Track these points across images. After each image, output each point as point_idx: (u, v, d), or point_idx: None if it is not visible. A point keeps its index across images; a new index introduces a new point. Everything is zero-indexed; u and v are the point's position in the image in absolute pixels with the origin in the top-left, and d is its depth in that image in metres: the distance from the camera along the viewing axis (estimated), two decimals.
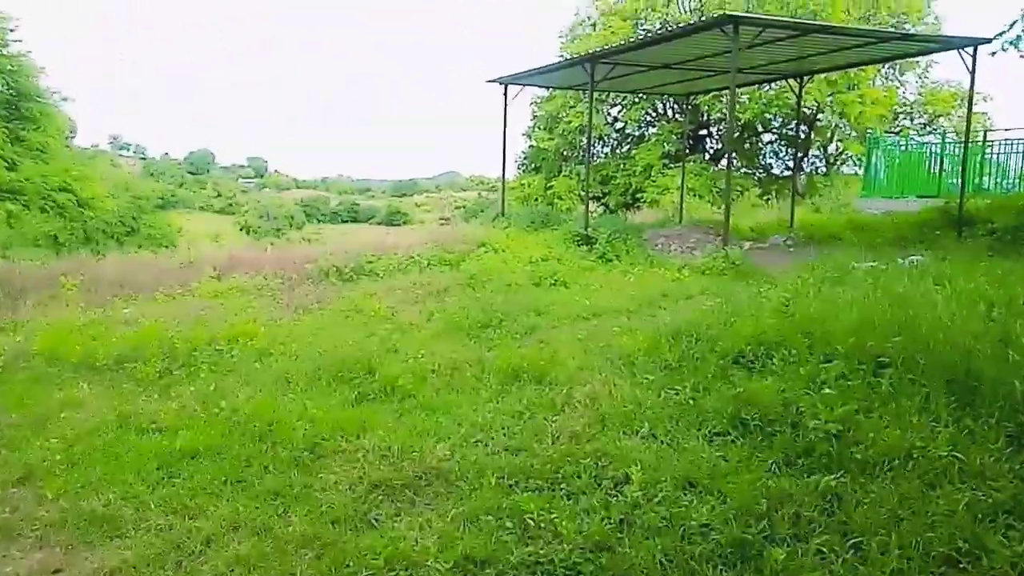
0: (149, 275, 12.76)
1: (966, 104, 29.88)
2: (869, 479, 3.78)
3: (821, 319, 6.10)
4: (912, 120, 31.20)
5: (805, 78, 17.25)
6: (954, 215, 14.84)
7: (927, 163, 20.70)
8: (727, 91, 25.36)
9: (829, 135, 30.03)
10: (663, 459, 4.23)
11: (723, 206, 27.36)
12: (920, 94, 30.72)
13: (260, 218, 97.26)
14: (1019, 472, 3.62)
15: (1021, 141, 18.04)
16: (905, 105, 30.84)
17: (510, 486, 4.19)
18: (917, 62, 28.98)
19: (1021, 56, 13.61)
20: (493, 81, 18.46)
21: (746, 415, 4.66)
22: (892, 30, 11.57)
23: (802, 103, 26.71)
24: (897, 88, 30.01)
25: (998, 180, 18.69)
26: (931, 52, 13.56)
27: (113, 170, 66.45)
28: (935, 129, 29.27)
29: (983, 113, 30.05)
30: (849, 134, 28.87)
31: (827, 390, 4.73)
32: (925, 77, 30.41)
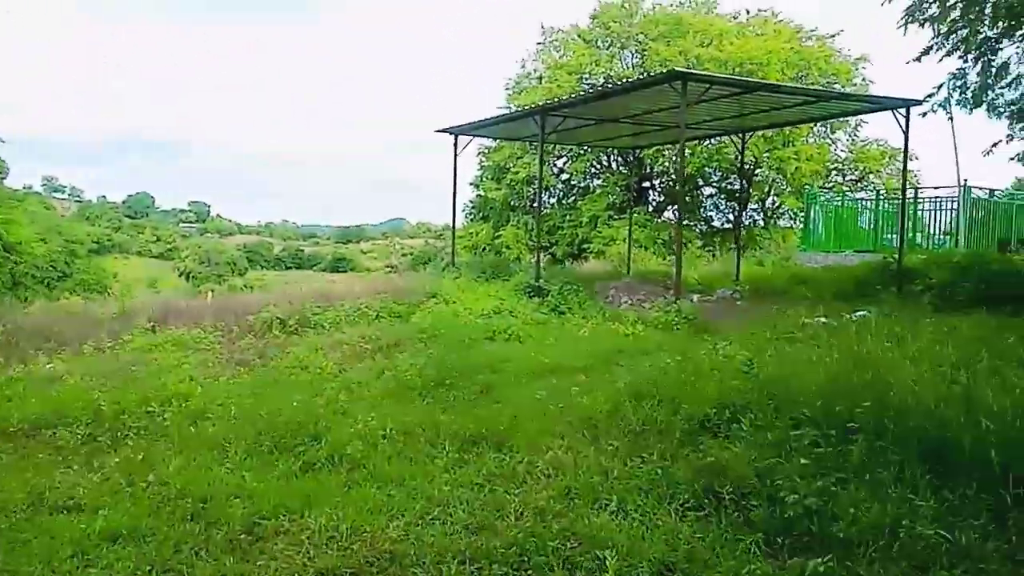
0: (78, 325, 11.98)
1: (894, 161, 31.63)
2: (856, 560, 3.57)
3: (785, 380, 5.99)
4: (844, 176, 32.54)
5: (747, 134, 17.77)
6: (892, 270, 15.29)
7: (862, 219, 21.50)
8: (671, 145, 26.17)
9: (766, 189, 31.09)
10: (637, 540, 3.94)
11: (667, 258, 28.24)
12: (851, 152, 32.15)
13: (201, 264, 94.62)
14: (1008, 552, 3.47)
15: (948, 199, 18.94)
16: (837, 162, 32.19)
17: (472, 573, 3.83)
18: (847, 121, 30.40)
19: (949, 118, 14.38)
20: (443, 131, 18.43)
21: (719, 487, 4.44)
22: (831, 90, 11.95)
23: (741, 159, 27.85)
24: (829, 146, 31.35)
25: (928, 236, 19.51)
26: (867, 112, 14.13)
27: (45, 213, 63.81)
28: (866, 186, 30.60)
29: (912, 171, 31.60)
30: (784, 189, 29.93)
31: (801, 460, 4.56)
32: (855, 135, 31.88)
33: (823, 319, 11.39)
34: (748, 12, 31.79)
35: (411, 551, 4.03)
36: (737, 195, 30.99)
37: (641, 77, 11.84)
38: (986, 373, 5.93)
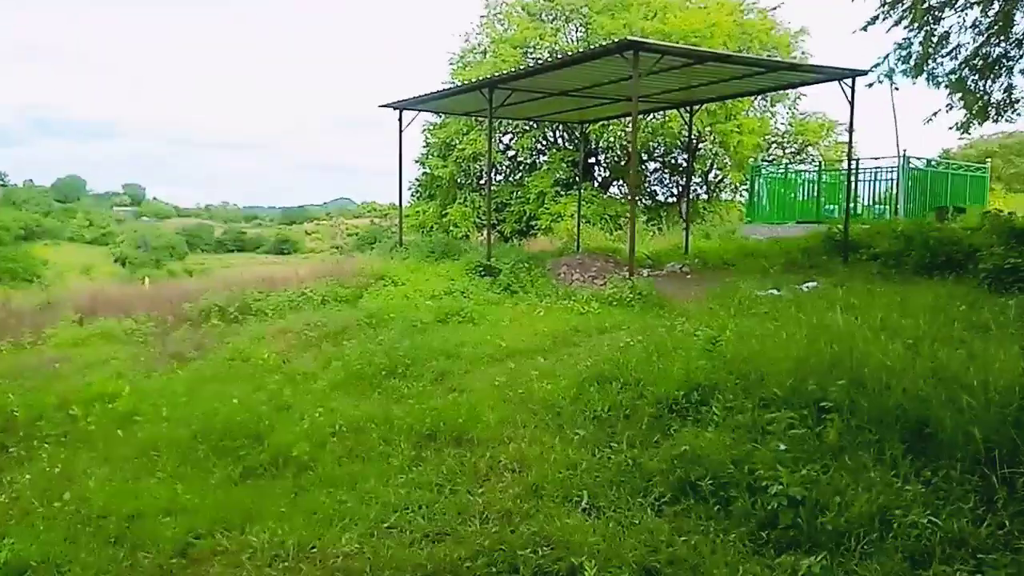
0: None
1: (832, 133, 32.16)
2: (848, 556, 3.35)
3: (751, 358, 5.79)
4: (784, 149, 32.95)
5: (694, 107, 17.62)
6: (837, 240, 15.43)
7: (805, 190, 21.76)
8: (619, 119, 25.94)
9: (709, 163, 31.27)
10: (613, 542, 3.64)
11: (615, 232, 28.17)
12: (790, 125, 32.54)
13: (137, 248, 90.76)
14: (1003, 540, 3.30)
15: (886, 169, 19.26)
16: (777, 135, 32.55)
17: None
18: (787, 95, 30.73)
19: (895, 88, 14.49)
20: (387, 106, 17.73)
21: (695, 478, 4.17)
22: (780, 60, 11.81)
23: (685, 133, 27.85)
24: (769, 119, 31.67)
25: (868, 205, 19.83)
26: (813, 83, 14.08)
27: None
28: (805, 158, 31.09)
29: (847, 143, 32.18)
30: (726, 162, 30.12)
31: (779, 444, 4.33)
32: (795, 108, 32.25)
33: (775, 291, 11.37)
34: None
35: (367, 568, 3.65)
36: (682, 169, 31.12)
37: (590, 48, 11.43)
38: (952, 344, 5.84)
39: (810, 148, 31.90)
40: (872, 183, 19.87)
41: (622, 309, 10.30)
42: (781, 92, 30.32)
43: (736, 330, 7.24)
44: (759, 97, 29.88)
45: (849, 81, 13.54)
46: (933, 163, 20.34)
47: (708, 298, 11.42)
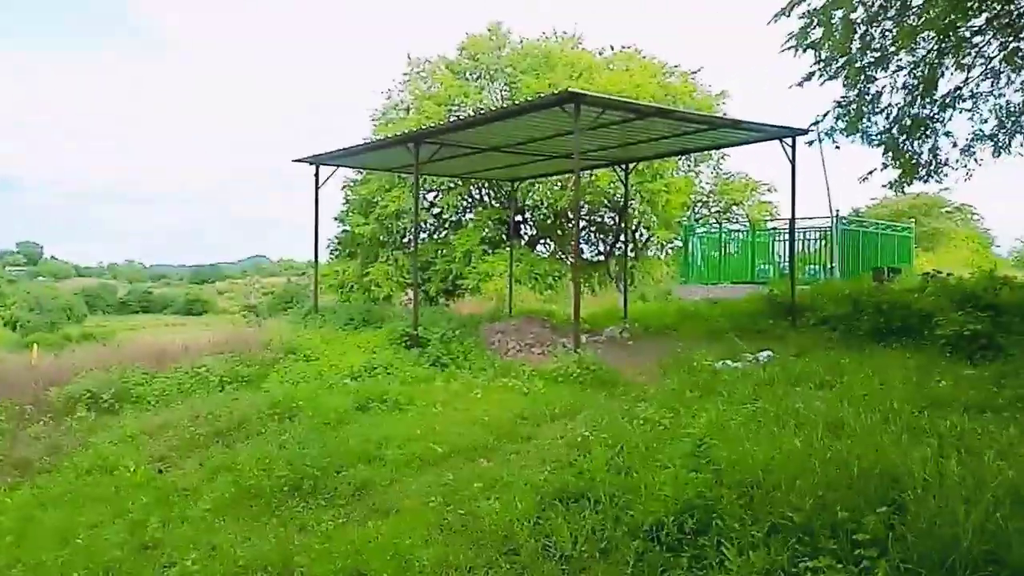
0: None
1: (755, 193, 32.68)
2: None
3: (747, 466, 4.69)
4: (709, 208, 33.34)
5: (630, 165, 17.08)
6: (778, 302, 14.90)
7: (738, 250, 21.52)
8: (549, 177, 25.37)
9: (636, 222, 31.14)
10: None
11: (544, 293, 27.30)
12: (714, 184, 33.02)
13: (31, 311, 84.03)
14: None
15: (822, 228, 19.18)
16: (702, 194, 32.94)
17: None
18: (711, 155, 31.22)
19: (836, 147, 14.26)
20: (302, 161, 16.37)
21: None
22: (722, 117, 11.25)
23: (614, 192, 27.60)
24: (694, 178, 32.07)
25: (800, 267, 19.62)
26: (753, 141, 13.67)
27: None
28: (732, 217, 31.46)
29: (770, 203, 32.89)
30: (653, 220, 30.02)
31: None
32: (719, 168, 32.83)
33: (732, 363, 10.49)
34: (612, 48, 32.06)
35: None
36: (610, 228, 30.84)
37: (528, 100, 10.56)
38: (980, 439, 4.93)
39: (735, 207, 32.39)
40: (803, 243, 19.75)
41: (569, 387, 9.12)
42: (705, 153, 30.83)
43: (711, 421, 6.17)
44: (684, 157, 30.22)
45: (789, 140, 13.20)
46: (864, 222, 20.47)
47: (661, 371, 10.42)
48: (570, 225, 33.36)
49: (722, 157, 32.13)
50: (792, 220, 13.44)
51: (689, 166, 31.89)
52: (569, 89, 9.73)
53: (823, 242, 18.94)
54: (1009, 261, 34.68)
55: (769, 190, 33.18)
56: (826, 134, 13.45)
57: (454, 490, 5.32)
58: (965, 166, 14.62)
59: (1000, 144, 14.54)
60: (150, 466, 6.40)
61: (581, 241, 34.03)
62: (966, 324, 10.17)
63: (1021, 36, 12.95)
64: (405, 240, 30.25)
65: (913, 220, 24.32)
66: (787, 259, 20.36)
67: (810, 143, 13.89)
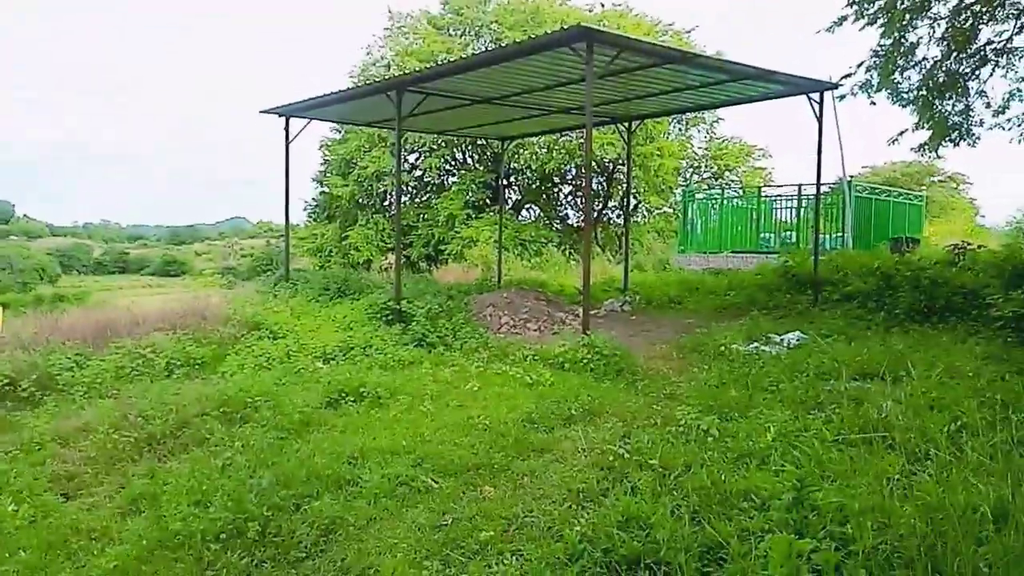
0: None
1: (750, 158, 31.33)
2: None
3: (873, 521, 3.34)
4: (701, 174, 32.02)
5: (634, 123, 15.55)
6: (793, 275, 13.63)
7: (740, 217, 20.19)
8: (541, 136, 23.74)
9: (625, 187, 29.68)
10: None
11: (531, 260, 25.82)
12: (707, 149, 31.69)
13: (1, 271, 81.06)
14: None
15: (833, 195, 17.86)
16: (695, 159, 31.62)
17: None
18: (703, 118, 29.79)
19: (872, 102, 12.82)
20: (270, 112, 14.63)
21: None
22: (756, 67, 9.76)
23: (604, 155, 26.03)
24: (686, 142, 30.73)
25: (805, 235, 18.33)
26: (778, 96, 12.21)
27: None
28: (726, 182, 30.16)
29: (764, 168, 31.59)
30: (643, 186, 28.59)
31: None
32: (712, 132, 31.46)
33: (762, 347, 9.16)
34: (603, 5, 30.19)
35: None
36: (606, 193, 29.40)
37: (538, 37, 8.95)
38: None
39: (728, 173, 31.08)
40: (808, 210, 18.42)
41: (580, 377, 7.73)
42: (697, 116, 29.27)
43: (781, 436, 4.81)
44: (675, 119, 28.66)
45: (816, 96, 11.77)
46: (876, 189, 19.18)
47: (680, 355, 9.06)
48: (556, 190, 31.88)
49: (716, 120, 30.70)
50: (818, 185, 12.06)
51: (681, 129, 30.47)
52: (581, 24, 8.13)
53: (835, 209, 17.63)
54: (1003, 233, 33.79)
55: (764, 155, 31.93)
56: (860, 88, 12.01)
57: (453, 541, 3.91)
58: (1003, 127, 13.29)
59: None
60: (52, 490, 4.93)
61: (568, 207, 32.62)
62: None
63: None
64: (385, 203, 28.60)
65: (925, 188, 23.06)
66: (790, 228, 19.19)
67: (842, 97, 12.45)
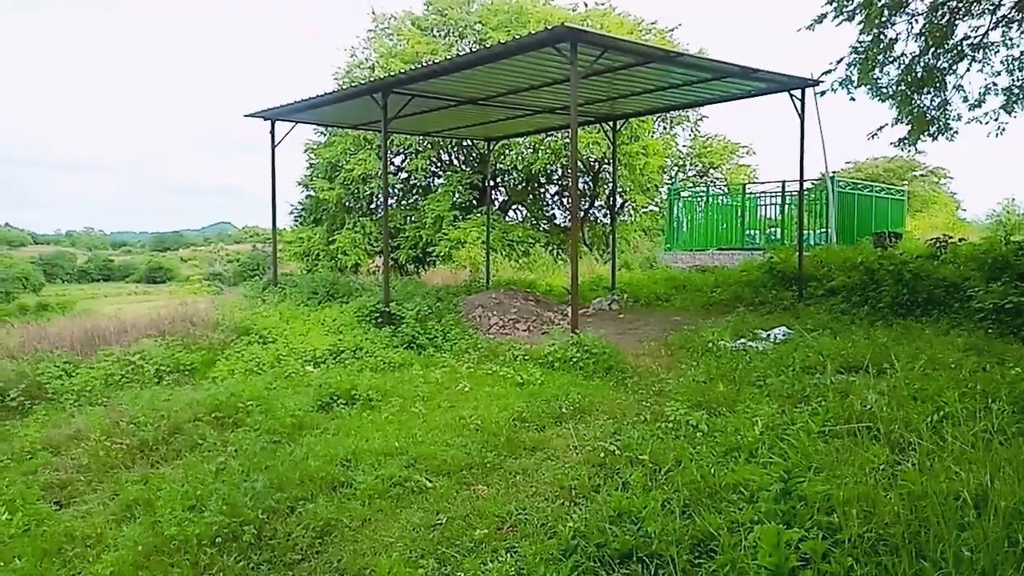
0: None
1: (735, 156, 31.58)
2: None
3: (860, 509, 3.42)
4: (685, 172, 32.23)
5: (619, 122, 15.65)
6: (779, 271, 13.78)
7: (726, 215, 20.36)
8: (527, 137, 23.80)
9: (611, 186, 29.81)
10: None
11: (519, 261, 25.91)
12: (692, 147, 31.90)
13: None
14: None
15: (816, 190, 18.04)
16: (679, 157, 31.81)
17: None
18: (687, 116, 30.00)
19: (851, 98, 12.99)
20: (255, 115, 14.61)
21: None
22: (738, 65, 9.87)
23: (589, 154, 26.13)
24: (671, 140, 30.92)
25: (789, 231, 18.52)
26: (761, 94, 12.35)
27: None
28: (711, 180, 30.38)
29: (748, 166, 31.85)
30: (628, 185, 28.75)
31: None
32: (696, 130, 31.69)
33: (750, 342, 9.27)
34: (587, 5, 30.32)
35: None
36: (592, 192, 29.51)
37: (523, 37, 9.01)
38: None
39: (713, 170, 31.32)
40: (792, 207, 18.59)
41: (570, 376, 7.81)
42: (681, 114, 29.47)
43: (768, 428, 4.90)
44: (659, 117, 28.82)
45: (798, 93, 11.91)
46: (858, 184, 19.39)
47: (668, 352, 9.17)
48: (543, 190, 31.95)
49: (700, 118, 30.94)
50: (801, 181, 12.19)
51: (665, 127, 30.66)
52: (565, 23, 8.21)
53: (819, 205, 17.82)
54: (983, 226, 34.21)
55: (748, 152, 32.20)
56: (839, 84, 12.17)
57: (448, 539, 3.96)
58: (980, 121, 13.49)
59: (1014, 99, 13.45)
60: (45, 498, 4.93)
61: (555, 206, 32.70)
62: (1007, 296, 9.10)
63: None
64: (372, 206, 28.55)
65: (906, 183, 23.34)
66: (775, 225, 19.36)
67: (823, 94, 12.61)
